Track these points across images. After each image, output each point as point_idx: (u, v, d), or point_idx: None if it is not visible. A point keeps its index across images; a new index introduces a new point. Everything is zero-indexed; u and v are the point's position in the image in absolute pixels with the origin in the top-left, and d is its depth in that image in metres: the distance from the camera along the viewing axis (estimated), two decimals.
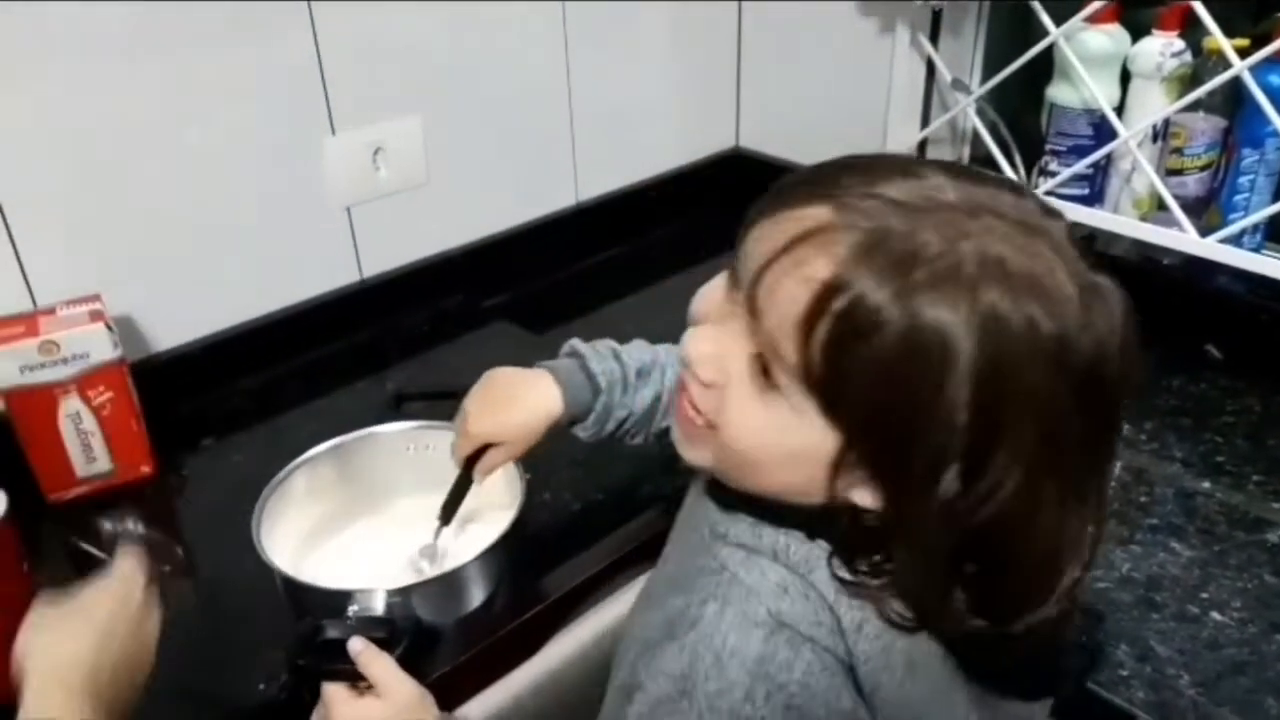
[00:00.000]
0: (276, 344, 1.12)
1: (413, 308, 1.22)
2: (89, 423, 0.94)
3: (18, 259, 0.95)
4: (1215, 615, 0.82)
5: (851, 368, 0.46)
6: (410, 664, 0.66)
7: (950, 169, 0.50)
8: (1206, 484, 0.96)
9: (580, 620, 0.77)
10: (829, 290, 0.45)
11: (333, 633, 0.64)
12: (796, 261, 0.47)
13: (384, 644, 0.62)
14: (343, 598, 0.67)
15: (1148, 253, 1.17)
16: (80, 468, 0.95)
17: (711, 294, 0.54)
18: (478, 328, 1.24)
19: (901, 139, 1.31)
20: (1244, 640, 0.79)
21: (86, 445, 0.95)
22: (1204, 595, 0.83)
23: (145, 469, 0.98)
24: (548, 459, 0.98)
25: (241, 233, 1.08)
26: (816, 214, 0.47)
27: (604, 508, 0.92)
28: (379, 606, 0.67)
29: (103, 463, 0.96)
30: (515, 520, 0.76)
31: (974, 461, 0.46)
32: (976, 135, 1.27)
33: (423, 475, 0.84)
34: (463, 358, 1.18)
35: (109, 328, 0.93)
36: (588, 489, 0.95)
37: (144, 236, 1.02)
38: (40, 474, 0.94)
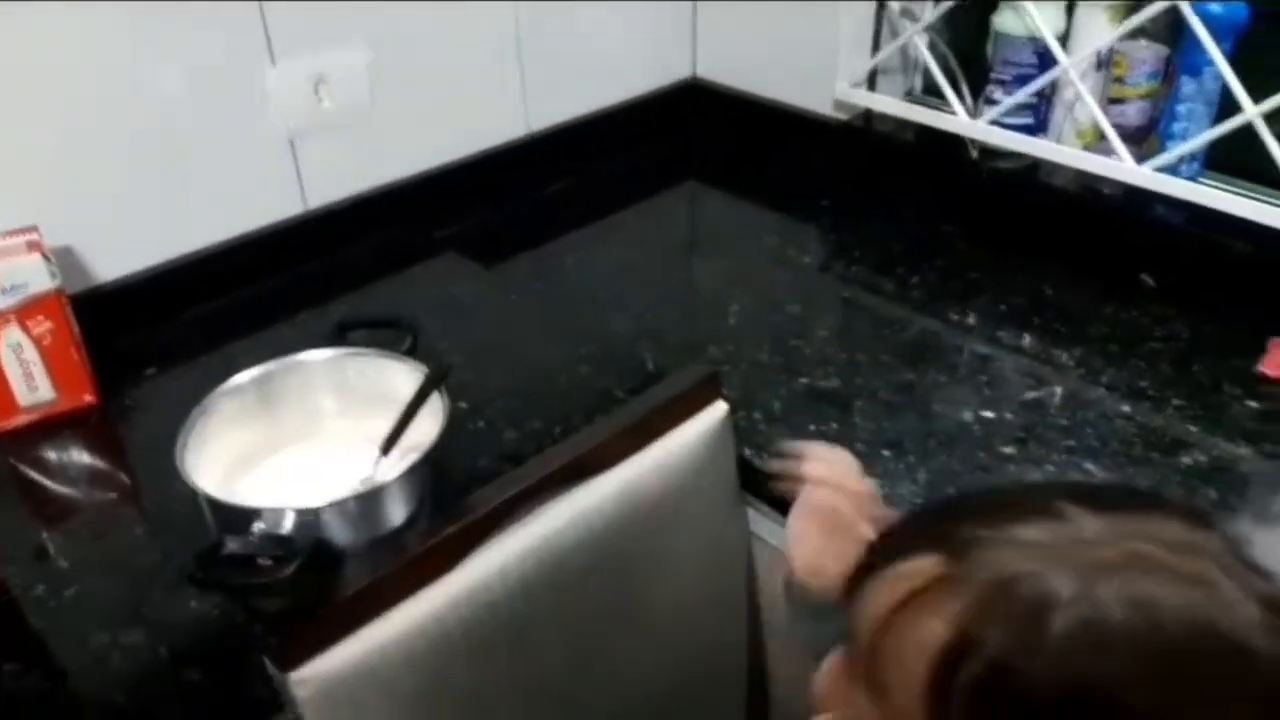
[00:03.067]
0: (221, 276, 1.14)
1: (359, 239, 1.23)
2: (30, 352, 0.95)
3: None
4: None
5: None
6: (304, 584, 0.68)
7: (1090, 496, 0.43)
8: (1127, 408, 0.98)
9: (502, 537, 0.79)
10: (952, 656, 0.39)
11: (231, 547, 0.66)
12: (910, 626, 0.41)
13: (279, 561, 0.65)
14: (252, 516, 0.69)
15: (1089, 183, 1.18)
16: (23, 397, 0.97)
17: (827, 674, 0.49)
18: (426, 259, 1.25)
19: (852, 68, 1.31)
20: None
21: (28, 374, 0.96)
22: None
23: (88, 398, 1.00)
24: (485, 389, 1.01)
25: (183, 165, 1.08)
26: (927, 566, 0.42)
27: (537, 435, 0.94)
28: (288, 526, 0.69)
29: (45, 392, 0.98)
30: (435, 443, 0.78)
31: None
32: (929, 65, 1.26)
33: (360, 402, 0.86)
34: (411, 289, 1.20)
35: (46, 258, 0.94)
36: (523, 418, 0.97)
37: (84, 169, 1.02)
38: None
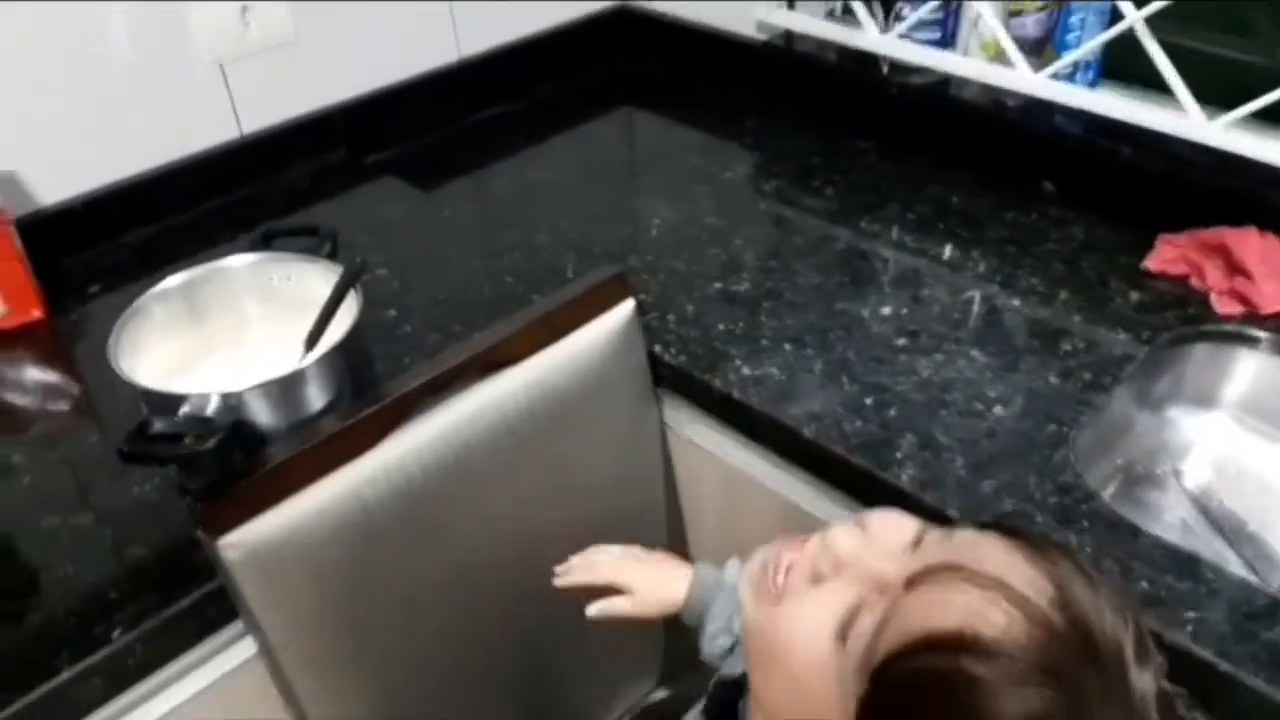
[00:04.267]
0: (159, 200, 1.18)
1: (294, 164, 1.28)
2: None
3: None
4: (998, 410, 0.91)
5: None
6: (227, 459, 0.74)
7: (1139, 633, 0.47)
8: (1017, 301, 1.04)
9: (417, 422, 0.85)
10: (983, 647, 0.44)
11: (158, 426, 0.72)
12: (986, 599, 0.46)
13: (201, 439, 0.71)
14: (180, 401, 0.75)
15: (995, 95, 1.23)
16: None
17: (898, 527, 0.54)
18: (362, 183, 1.30)
19: None
20: (1019, 431, 0.89)
21: None
22: (992, 394, 0.93)
23: (36, 313, 1.05)
24: (413, 299, 1.07)
25: (117, 92, 1.12)
26: (1039, 587, 0.46)
27: (459, 337, 1.00)
28: (211, 408, 0.75)
29: None
30: (349, 333, 0.83)
31: None
32: None
33: (285, 306, 0.92)
34: (346, 212, 1.25)
35: None
36: (446, 323, 1.03)
37: (22, 98, 1.06)
38: None
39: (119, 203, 1.16)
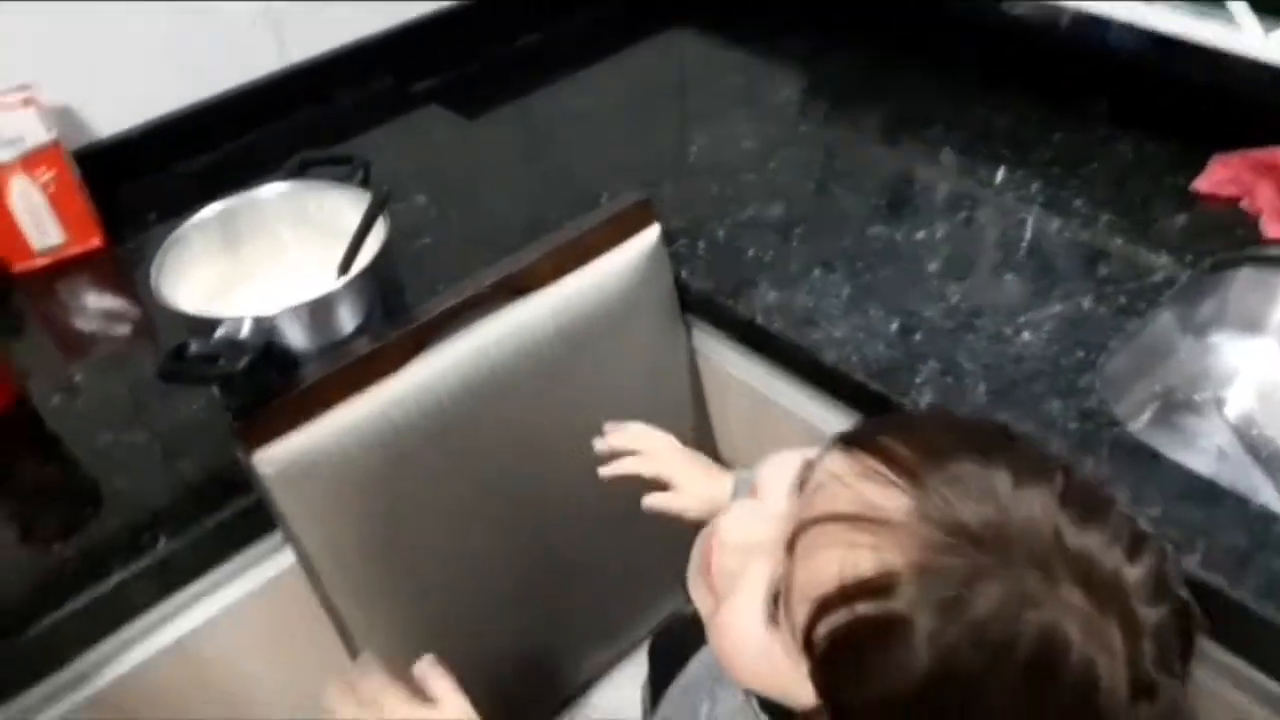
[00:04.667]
0: (210, 129, 1.22)
1: (341, 92, 1.30)
2: (37, 198, 1.05)
3: None
4: (1026, 335, 0.90)
5: (855, 675, 0.45)
6: (261, 379, 0.78)
7: (1068, 493, 0.46)
8: (1057, 224, 1.02)
9: (444, 344, 0.88)
10: (865, 589, 0.44)
11: (195, 348, 0.76)
12: (849, 541, 0.46)
13: (233, 360, 0.74)
14: (216, 325, 0.79)
15: (1047, 12, 1.18)
16: (35, 240, 1.08)
17: (780, 477, 0.54)
18: (408, 111, 1.31)
19: None
20: (1046, 356, 0.88)
21: (38, 220, 1.07)
22: (1021, 320, 0.91)
23: (95, 241, 1.11)
24: (448, 226, 1.09)
25: (167, 26, 1.15)
26: (895, 502, 0.45)
27: (489, 264, 1.02)
28: (245, 331, 0.79)
29: (54, 236, 1.08)
30: (376, 256, 0.86)
31: None
32: None
33: (319, 232, 0.95)
34: (391, 140, 1.27)
35: (41, 112, 1.03)
36: (480, 250, 1.05)
37: (77, 33, 1.10)
38: (2, 248, 1.07)
39: (173, 133, 1.20)
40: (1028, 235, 1.01)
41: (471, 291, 0.87)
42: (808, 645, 0.47)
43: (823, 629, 0.46)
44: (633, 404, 1.04)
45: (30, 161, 1.03)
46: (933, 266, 0.98)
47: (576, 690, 1.16)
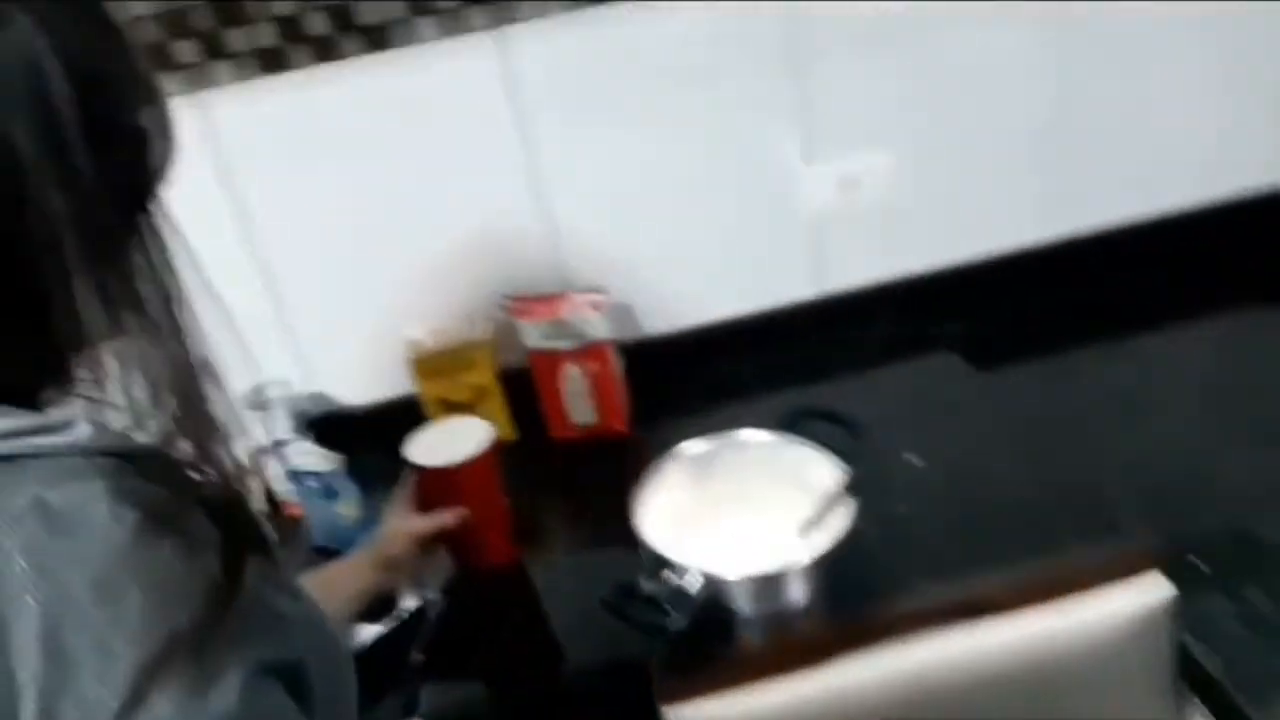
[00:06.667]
0: (739, 342, 1.31)
1: (868, 327, 1.32)
2: (581, 385, 1.22)
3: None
4: None
5: None
6: (696, 637, 0.80)
7: None
8: None
9: (884, 650, 0.83)
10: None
11: (644, 587, 0.81)
12: None
13: (680, 611, 0.77)
14: (664, 563, 0.83)
15: None
16: (573, 416, 1.24)
17: None
18: (923, 354, 1.29)
19: None
20: None
21: (577, 402, 1.23)
22: None
23: (619, 427, 1.25)
24: (931, 497, 1.03)
25: (724, 243, 1.28)
26: None
27: (967, 551, 0.94)
28: (695, 585, 0.82)
29: (588, 416, 1.24)
30: (832, 549, 0.85)
31: None
32: None
33: (792, 485, 0.96)
34: (899, 384, 1.25)
35: (605, 316, 1.19)
36: (960, 535, 0.98)
37: (650, 244, 1.27)
38: (548, 417, 1.25)
39: (706, 340, 1.31)
40: None
41: (931, 605, 0.82)
42: None
43: None
44: None
45: (584, 354, 1.20)
46: None
47: None
